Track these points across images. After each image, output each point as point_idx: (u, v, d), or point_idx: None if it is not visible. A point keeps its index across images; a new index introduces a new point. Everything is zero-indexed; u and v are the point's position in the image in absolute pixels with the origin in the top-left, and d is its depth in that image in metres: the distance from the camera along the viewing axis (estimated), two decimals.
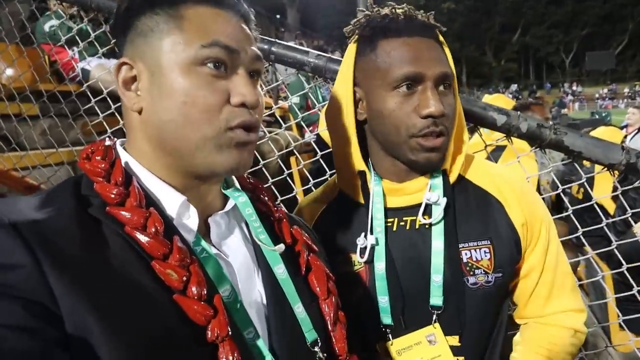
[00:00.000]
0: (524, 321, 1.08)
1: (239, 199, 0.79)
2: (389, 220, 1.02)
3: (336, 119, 1.04)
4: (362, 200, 1.04)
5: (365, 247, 0.98)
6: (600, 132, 3.68)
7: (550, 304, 1.04)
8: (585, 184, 1.35)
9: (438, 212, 0.97)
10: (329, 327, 0.81)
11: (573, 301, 1.06)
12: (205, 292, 0.62)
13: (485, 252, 0.97)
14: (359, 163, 1.02)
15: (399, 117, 0.93)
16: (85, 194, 0.64)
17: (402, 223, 1.01)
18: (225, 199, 0.79)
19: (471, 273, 0.96)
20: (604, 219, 1.37)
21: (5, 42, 2.39)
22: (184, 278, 0.61)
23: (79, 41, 2.01)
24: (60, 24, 2.81)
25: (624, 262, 1.37)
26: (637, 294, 1.36)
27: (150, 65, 0.67)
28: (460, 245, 0.98)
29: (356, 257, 1.01)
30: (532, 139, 1.27)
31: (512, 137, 1.31)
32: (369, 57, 0.96)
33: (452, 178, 1.01)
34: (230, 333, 0.62)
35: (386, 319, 0.98)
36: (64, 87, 2.15)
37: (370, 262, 0.99)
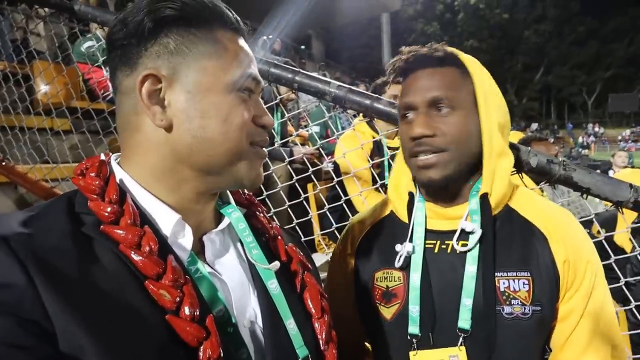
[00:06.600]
0: None
1: (232, 215, 0.80)
2: (431, 241, 1.06)
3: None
4: (406, 220, 1.10)
5: (402, 255, 1.04)
6: (626, 173, 3.70)
7: (590, 355, 0.97)
8: (596, 221, 1.37)
9: (473, 240, 0.99)
10: (321, 345, 0.80)
11: (616, 357, 0.99)
12: (197, 313, 0.61)
13: (524, 283, 0.97)
14: (408, 185, 1.13)
15: (402, 142, 1.06)
16: (79, 211, 0.64)
17: (443, 246, 1.04)
18: (221, 217, 0.80)
19: (507, 302, 0.96)
20: (612, 256, 1.38)
21: (47, 60, 2.54)
22: (177, 299, 0.61)
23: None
24: (99, 45, 2.97)
25: (632, 300, 1.38)
26: None
27: (186, 84, 0.67)
28: (498, 274, 0.98)
29: (396, 273, 1.06)
30: (541, 174, 1.29)
31: (522, 173, 1.34)
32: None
33: (494, 202, 1.01)
34: (222, 355, 0.61)
35: (414, 328, 1.00)
36: (96, 105, 2.26)
37: (405, 269, 1.05)
